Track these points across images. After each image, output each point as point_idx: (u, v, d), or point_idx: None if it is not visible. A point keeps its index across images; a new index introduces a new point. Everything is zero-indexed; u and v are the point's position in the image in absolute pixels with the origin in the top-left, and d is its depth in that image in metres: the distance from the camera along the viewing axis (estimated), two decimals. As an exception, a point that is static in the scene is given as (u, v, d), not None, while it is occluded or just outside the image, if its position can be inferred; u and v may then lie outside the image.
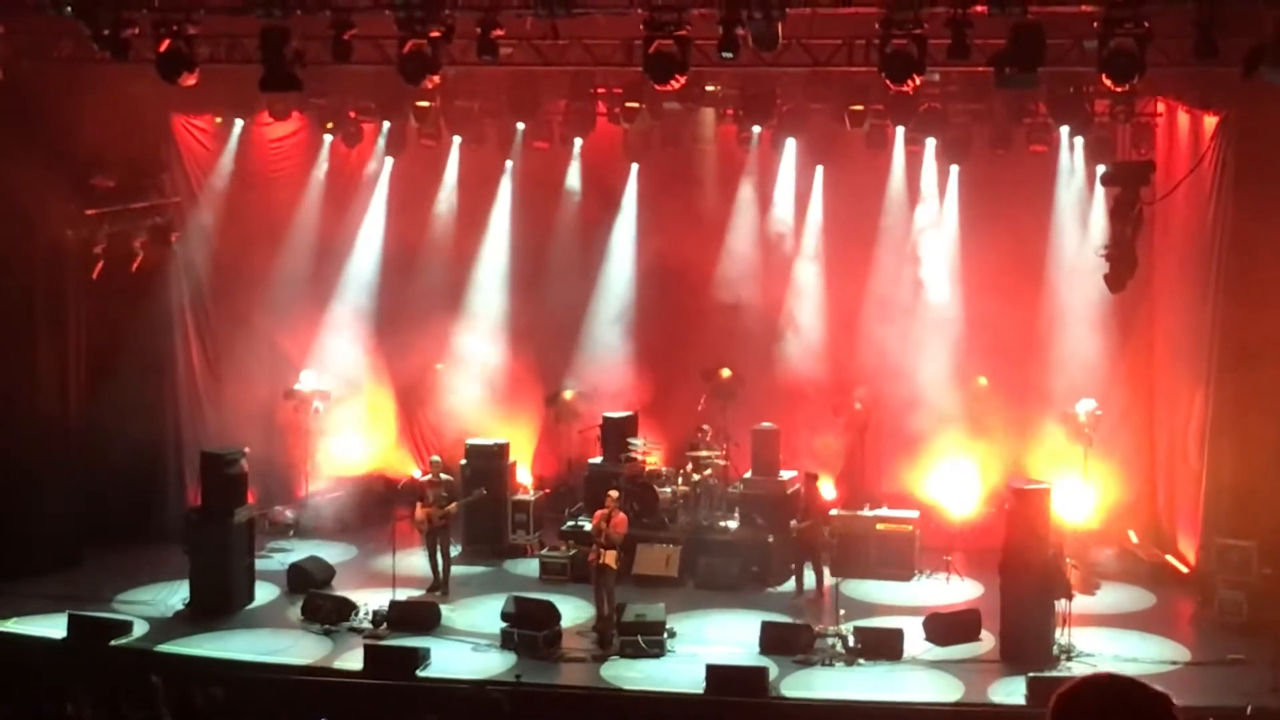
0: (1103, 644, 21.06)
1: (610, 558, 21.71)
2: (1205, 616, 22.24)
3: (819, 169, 27.08)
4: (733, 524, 25.42)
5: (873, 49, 19.47)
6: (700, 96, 24.95)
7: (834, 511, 24.61)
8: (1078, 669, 19.89)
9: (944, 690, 19.71)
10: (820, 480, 24.26)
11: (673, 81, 19.27)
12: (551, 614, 21.34)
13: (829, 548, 23.96)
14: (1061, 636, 20.63)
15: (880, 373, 26.27)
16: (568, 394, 27.73)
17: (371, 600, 22.58)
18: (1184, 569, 24.12)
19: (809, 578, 23.54)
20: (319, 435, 27.44)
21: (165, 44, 19.65)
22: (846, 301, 26.79)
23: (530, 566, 25.22)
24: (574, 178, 28.22)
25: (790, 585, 23.91)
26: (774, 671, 19.89)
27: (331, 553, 25.48)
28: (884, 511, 25.08)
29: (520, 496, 26.57)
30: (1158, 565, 24.49)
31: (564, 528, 25.65)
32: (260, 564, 24.10)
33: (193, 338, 27.21)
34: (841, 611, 21.63)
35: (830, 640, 20.98)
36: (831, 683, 19.97)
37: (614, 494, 22.45)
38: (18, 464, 24.12)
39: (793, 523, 23.92)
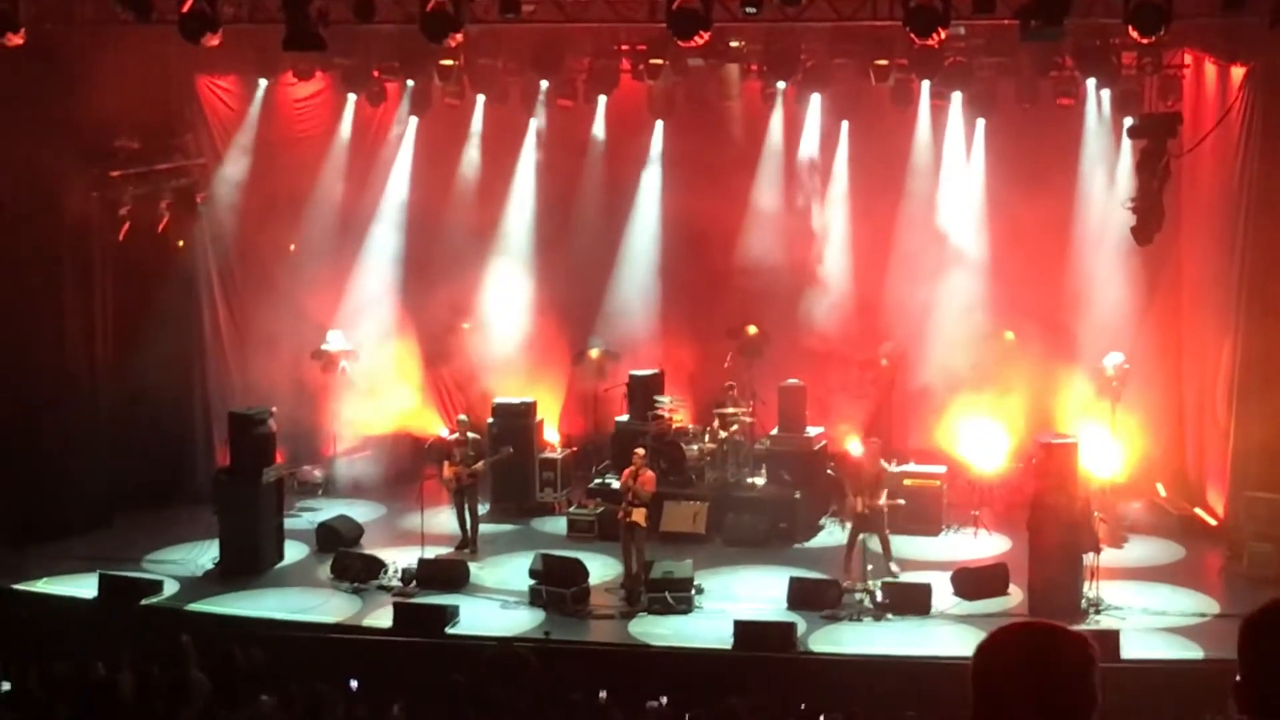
0: (1131, 597, 21.05)
1: (639, 515, 21.74)
2: (1234, 569, 22.17)
3: (844, 124, 27.01)
4: (760, 480, 25.44)
5: (897, 3, 19.34)
6: (724, 52, 24.91)
7: (830, 466, 24.56)
8: (1106, 622, 19.91)
9: (972, 645, 19.46)
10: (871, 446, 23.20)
11: (696, 38, 19.17)
12: (579, 571, 21.38)
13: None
14: (1089, 590, 20.62)
15: (906, 328, 26.27)
16: (594, 352, 27.73)
17: (400, 558, 22.63)
18: (1212, 522, 24.07)
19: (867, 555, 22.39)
20: (346, 395, 27.48)
21: (188, 4, 19.58)
22: (872, 257, 26.75)
23: (558, 524, 25.26)
24: (598, 135, 28.17)
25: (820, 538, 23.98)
26: (802, 627, 19.91)
27: (360, 511, 25.53)
28: (911, 467, 25.06)
29: (547, 455, 26.61)
30: (1186, 518, 24.45)
31: (591, 485, 25.72)
32: (289, 523, 24.15)
33: (219, 298, 27.26)
34: (894, 567, 21.70)
35: (858, 596, 21.00)
36: (859, 638, 19.99)
37: (640, 451, 22.44)
38: (47, 427, 24.19)
39: (830, 468, 23.99)
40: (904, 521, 23.54)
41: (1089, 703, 3.83)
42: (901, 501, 23.25)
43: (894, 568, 22.00)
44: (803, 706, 16.30)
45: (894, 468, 24.00)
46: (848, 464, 22.96)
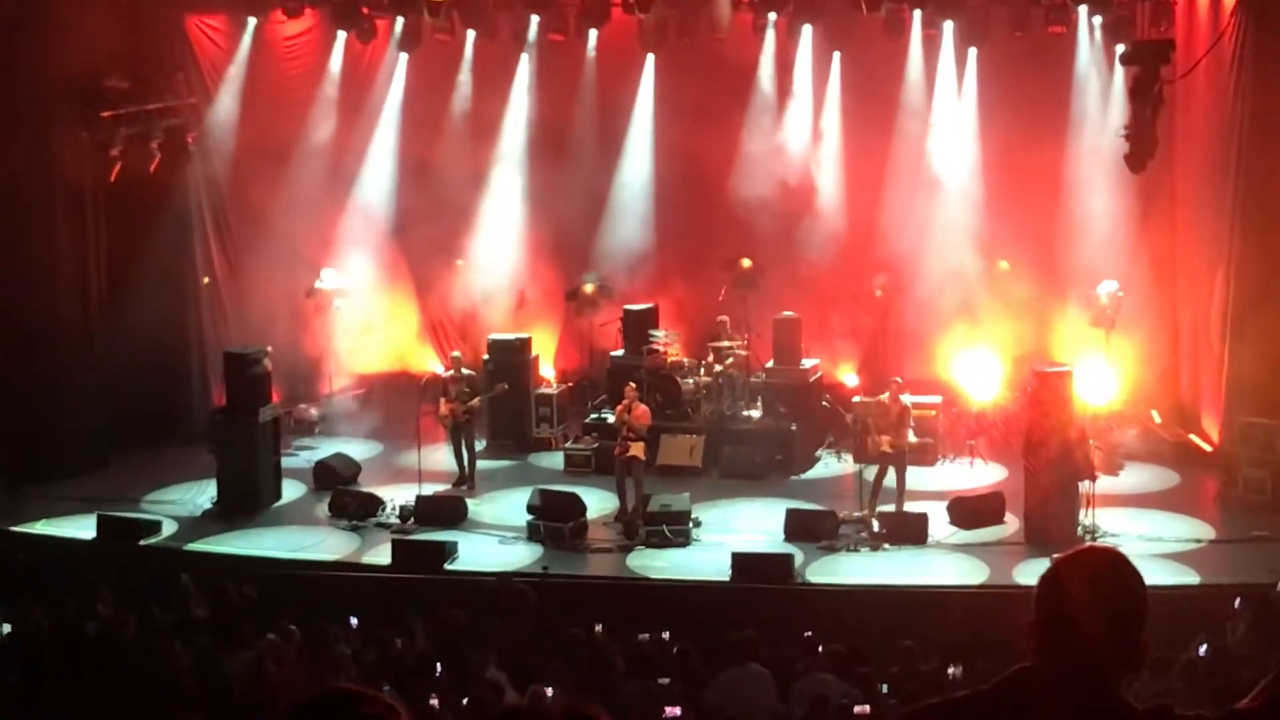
0: (1127, 524, 21.11)
1: (637, 449, 21.77)
2: (1229, 495, 22.23)
3: (836, 55, 26.88)
4: (755, 413, 25.48)
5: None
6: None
7: (857, 399, 24.58)
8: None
9: (969, 573, 19.79)
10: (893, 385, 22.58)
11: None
12: (577, 506, 21.44)
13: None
14: (1086, 517, 20.69)
15: (900, 259, 26.23)
16: (588, 287, 27.69)
17: (398, 496, 22.68)
18: (1207, 448, 24.14)
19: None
20: (341, 333, 27.47)
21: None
22: (866, 189, 26.69)
23: (555, 459, 25.31)
24: (590, 70, 28.06)
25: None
26: (799, 558, 19.99)
27: (357, 449, 25.58)
28: (908, 398, 25.07)
29: (543, 390, 26.65)
30: (1181, 445, 24.52)
31: (587, 420, 25.76)
32: (286, 462, 24.17)
33: (212, 238, 27.24)
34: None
35: (854, 525, 21.07)
36: (857, 568, 20.08)
37: (633, 386, 22.46)
38: (42, 369, 24.19)
39: (825, 400, 24.03)
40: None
41: (1146, 613, 4.11)
42: (930, 440, 23.45)
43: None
44: (809, 634, 16.34)
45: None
46: (872, 403, 22.85)
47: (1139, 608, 4.10)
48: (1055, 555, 4.34)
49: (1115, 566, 4.14)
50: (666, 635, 16.92)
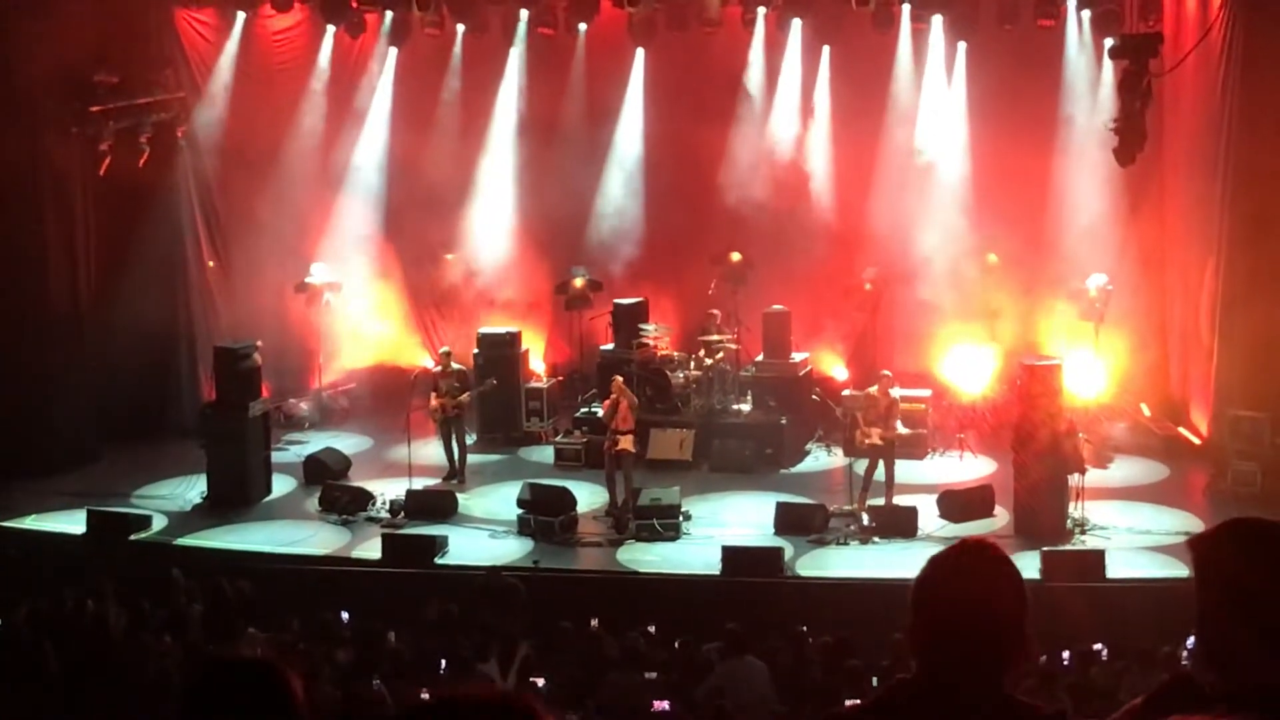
0: (1116, 517, 21.16)
1: (627, 442, 21.80)
2: (1218, 488, 22.25)
3: (825, 49, 26.89)
4: (745, 407, 25.50)
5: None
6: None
7: (846, 392, 24.61)
8: (1091, 542, 20.03)
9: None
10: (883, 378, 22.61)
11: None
12: (567, 499, 21.45)
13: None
14: (1075, 510, 20.74)
15: (890, 253, 26.26)
16: (578, 281, 27.68)
17: (388, 490, 22.71)
18: (1196, 441, 24.17)
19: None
20: (331, 327, 27.48)
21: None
22: (855, 182, 26.71)
23: (545, 453, 25.33)
24: (579, 64, 28.06)
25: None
26: (789, 551, 19.99)
27: (347, 444, 25.60)
28: (896, 391, 25.10)
29: (533, 384, 26.65)
30: (1170, 438, 24.55)
31: (577, 414, 25.77)
32: (276, 456, 24.20)
33: (202, 232, 27.23)
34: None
35: (844, 519, 21.10)
36: (846, 561, 20.09)
37: (619, 380, 22.48)
38: (32, 363, 24.15)
39: (815, 393, 24.04)
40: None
41: (1025, 607, 4.01)
42: (924, 431, 23.55)
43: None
44: (804, 628, 16.36)
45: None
46: (861, 396, 22.91)
47: (1016, 602, 3.98)
48: (930, 555, 4.25)
49: (986, 560, 4.05)
50: (652, 629, 16.96)
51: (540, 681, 14.55)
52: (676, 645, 16.10)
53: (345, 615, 17.19)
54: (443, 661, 15.06)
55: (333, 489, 22.74)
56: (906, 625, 4.05)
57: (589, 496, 22.37)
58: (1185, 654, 14.95)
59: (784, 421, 24.49)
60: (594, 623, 17.03)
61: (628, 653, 15.36)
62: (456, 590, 18.14)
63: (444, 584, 18.93)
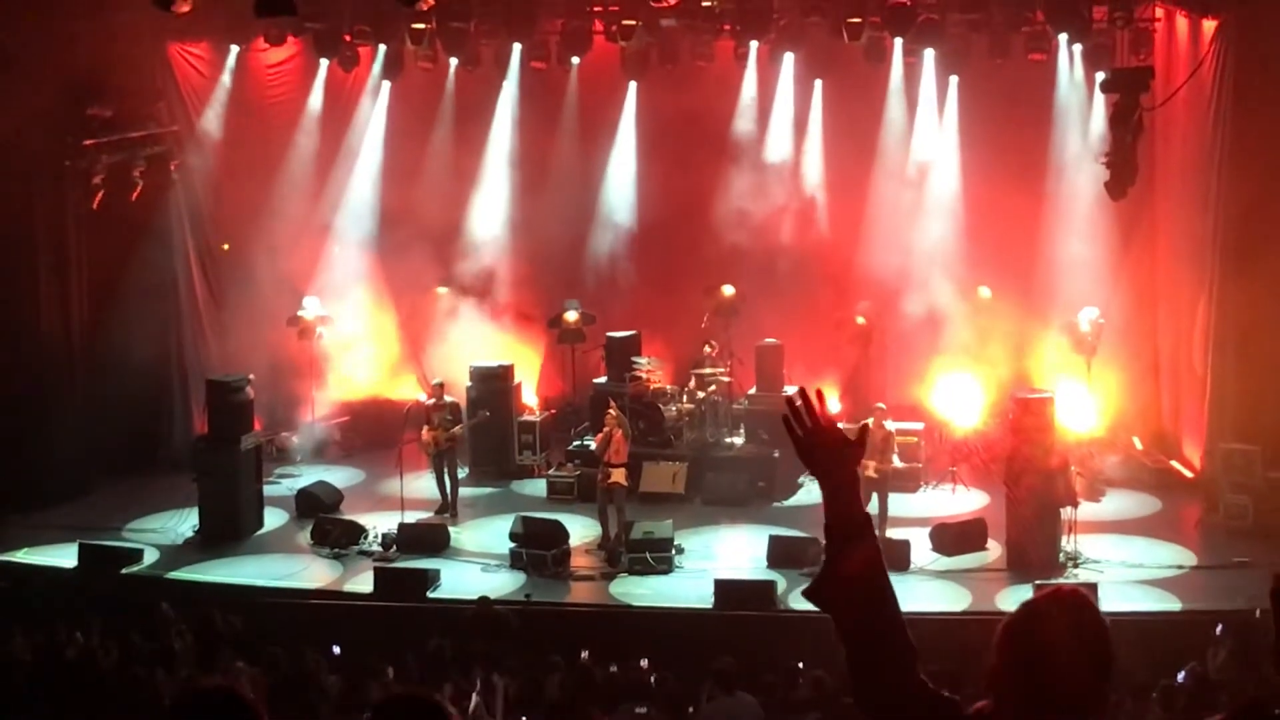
0: (1109, 550, 21.15)
1: (619, 475, 21.80)
2: (1210, 521, 22.27)
3: (818, 83, 26.97)
4: (738, 440, 25.50)
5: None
6: (697, 12, 24.90)
7: (840, 425, 24.52)
8: (1084, 575, 20.02)
9: (952, 599, 19.81)
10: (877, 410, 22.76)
11: (668, -3, 19.16)
12: (560, 533, 21.44)
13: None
14: (1067, 544, 20.75)
15: (882, 286, 26.26)
16: (570, 315, 27.68)
17: (380, 523, 22.66)
18: (1189, 474, 24.18)
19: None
20: (323, 361, 27.47)
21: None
22: (848, 215, 26.77)
23: (537, 487, 25.32)
24: (572, 98, 28.11)
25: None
26: (782, 584, 19.97)
27: (339, 477, 25.58)
28: (891, 424, 25.11)
29: (526, 418, 26.65)
30: (1162, 471, 24.56)
31: (570, 447, 25.75)
32: (268, 490, 24.18)
33: (195, 266, 27.25)
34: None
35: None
36: (840, 595, 20.00)
37: (612, 413, 22.47)
38: (24, 396, 24.16)
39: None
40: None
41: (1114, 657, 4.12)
42: (920, 464, 23.86)
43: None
44: (801, 665, 16.31)
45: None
46: (855, 429, 22.82)
47: (1110, 651, 4.07)
48: (1026, 598, 4.29)
49: (1087, 609, 4.10)
50: (644, 662, 16.92)
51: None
52: (666, 680, 16.03)
53: (336, 649, 17.16)
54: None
55: (325, 522, 22.71)
56: (991, 662, 4.11)
57: (582, 530, 22.36)
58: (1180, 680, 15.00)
59: (777, 455, 24.45)
60: (584, 654, 16.98)
61: (618, 686, 15.32)
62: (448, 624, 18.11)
63: (436, 617, 18.90)
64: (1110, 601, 18.70)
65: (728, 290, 26.99)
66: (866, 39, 24.78)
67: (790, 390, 24.63)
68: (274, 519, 23.75)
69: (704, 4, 24.78)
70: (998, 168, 25.27)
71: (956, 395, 25.67)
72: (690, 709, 14.92)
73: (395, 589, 20.20)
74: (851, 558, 4.26)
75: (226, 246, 27.32)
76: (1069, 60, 25.74)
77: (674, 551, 21.26)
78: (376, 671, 15.60)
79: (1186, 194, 24.09)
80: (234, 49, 26.79)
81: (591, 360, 27.27)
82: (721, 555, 21.61)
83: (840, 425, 4.36)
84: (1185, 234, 24.22)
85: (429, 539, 22.19)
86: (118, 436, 25.55)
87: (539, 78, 27.66)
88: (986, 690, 4.09)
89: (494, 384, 26.05)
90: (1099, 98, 24.56)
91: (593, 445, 23.17)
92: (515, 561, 21.23)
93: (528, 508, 23.49)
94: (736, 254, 26.57)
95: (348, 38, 26.60)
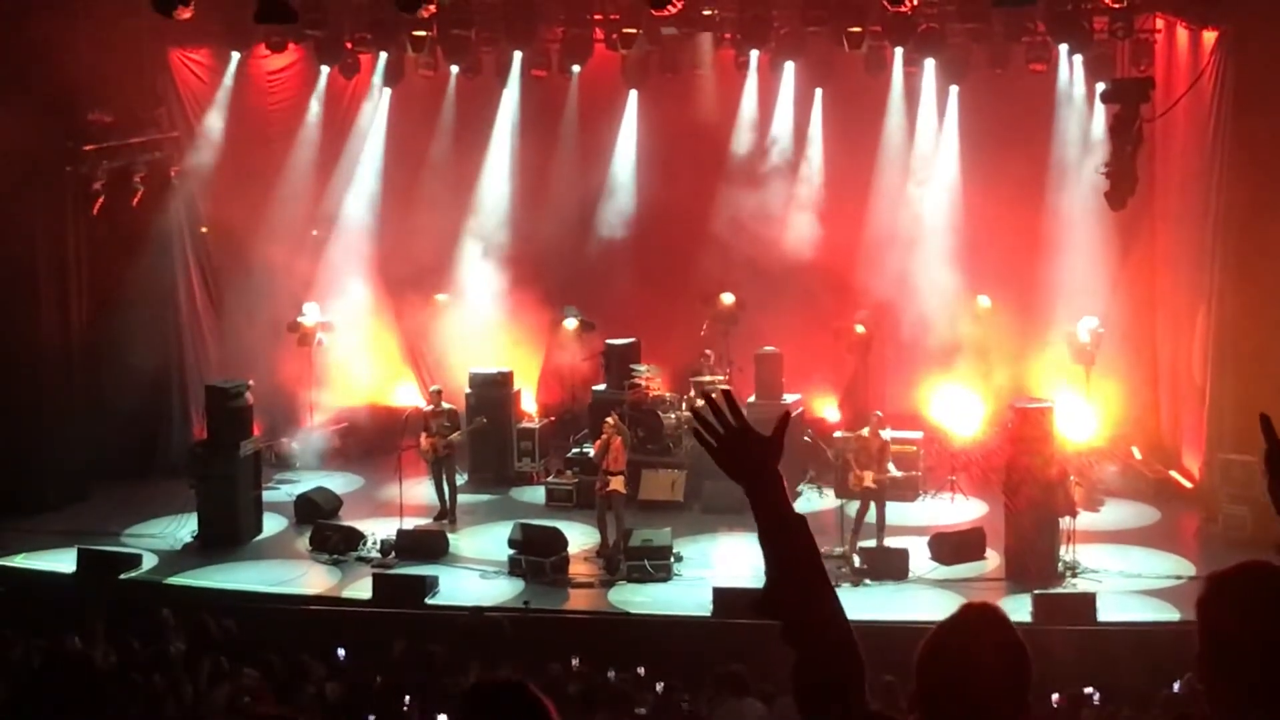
0: (1107, 560, 21.16)
1: (617, 483, 21.81)
2: (1209, 531, 22.27)
3: (818, 92, 26.99)
4: (737, 448, 25.42)
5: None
6: (697, 21, 24.95)
7: (838, 434, 24.61)
8: (1082, 585, 20.03)
9: (950, 609, 19.58)
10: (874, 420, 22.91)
11: (670, 6, 19.25)
12: (558, 540, 21.44)
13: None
14: (1066, 553, 20.75)
15: (882, 295, 26.27)
16: (570, 322, 27.68)
17: (379, 530, 22.66)
18: (1188, 484, 24.18)
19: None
20: (322, 367, 27.46)
21: (160, -23, 19.55)
22: (847, 224, 26.76)
23: (536, 494, 25.32)
24: (572, 105, 28.14)
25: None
26: (780, 593, 19.90)
27: (338, 483, 25.56)
28: (888, 433, 25.11)
29: (525, 424, 26.67)
30: (1161, 481, 24.57)
31: (569, 455, 25.76)
32: (267, 496, 24.17)
33: (194, 272, 27.25)
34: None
35: (836, 561, 21.07)
36: (838, 603, 20.00)
37: (610, 421, 22.48)
38: (23, 401, 24.18)
39: (806, 435, 23.98)
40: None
41: (1031, 671, 4.12)
42: (918, 473, 23.85)
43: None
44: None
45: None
46: (853, 438, 22.94)
47: (1029, 665, 4.05)
48: (938, 621, 4.27)
49: (1002, 625, 4.10)
50: (642, 670, 16.92)
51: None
52: (663, 687, 16.04)
53: (341, 652, 17.17)
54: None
55: (324, 528, 22.71)
56: (912, 689, 4.12)
57: (580, 537, 22.34)
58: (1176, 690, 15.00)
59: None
60: (574, 662, 16.96)
61: (616, 694, 15.32)
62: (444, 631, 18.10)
63: (435, 624, 18.89)
64: (1108, 611, 18.76)
65: (727, 298, 26.99)
66: (867, 48, 24.80)
67: (790, 399, 24.78)
68: (273, 525, 23.74)
69: (705, 13, 24.81)
70: (997, 178, 25.28)
71: (955, 404, 25.69)
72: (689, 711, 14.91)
73: (394, 595, 20.18)
74: (795, 561, 4.28)
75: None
76: (1069, 71, 25.77)
77: (672, 559, 21.28)
78: (309, 670, 15.58)
79: (1186, 204, 24.11)
80: (235, 55, 26.77)
81: (591, 367, 27.23)
82: (720, 563, 21.58)
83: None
84: (1185, 244, 24.24)
85: (427, 545, 22.20)
86: (117, 442, 25.54)
87: (539, 85, 27.68)
88: (911, 709, 4.09)
89: (493, 390, 26.04)
90: (1099, 108, 24.58)
91: (591, 452, 23.18)
92: (514, 568, 21.23)
93: (526, 514, 23.50)
94: (736, 262, 26.53)
95: (349, 45, 26.62)
